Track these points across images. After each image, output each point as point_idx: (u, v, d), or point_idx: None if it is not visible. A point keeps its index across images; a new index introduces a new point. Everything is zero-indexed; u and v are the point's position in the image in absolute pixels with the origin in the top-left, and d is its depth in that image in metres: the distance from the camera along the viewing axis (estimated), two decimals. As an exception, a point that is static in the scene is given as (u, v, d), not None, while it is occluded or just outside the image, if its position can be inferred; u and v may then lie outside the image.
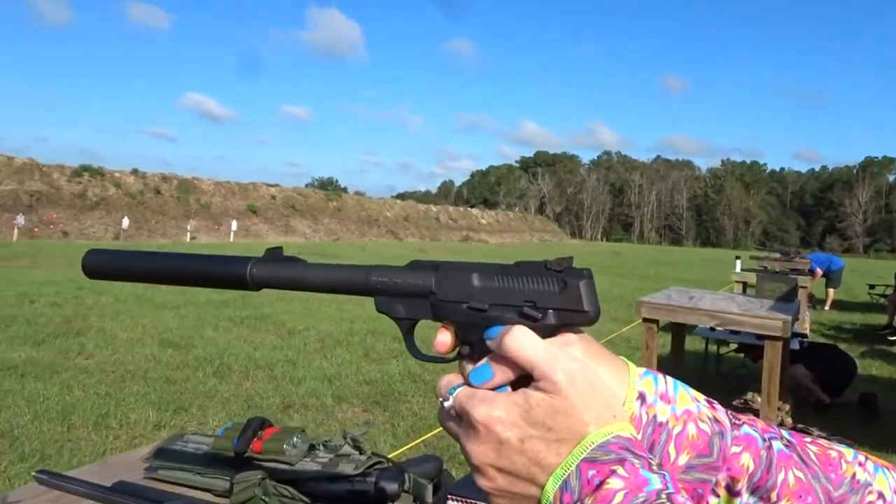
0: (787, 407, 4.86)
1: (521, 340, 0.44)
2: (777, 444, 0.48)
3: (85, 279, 0.62)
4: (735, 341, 6.00)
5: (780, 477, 0.47)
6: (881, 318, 11.65)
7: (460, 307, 0.49)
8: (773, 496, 0.47)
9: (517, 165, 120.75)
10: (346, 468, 1.00)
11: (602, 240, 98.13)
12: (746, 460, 0.47)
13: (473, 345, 0.48)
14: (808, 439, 0.50)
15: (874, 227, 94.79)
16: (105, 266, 0.59)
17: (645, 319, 4.31)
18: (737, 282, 8.96)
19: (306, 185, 63.22)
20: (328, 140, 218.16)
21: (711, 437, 0.47)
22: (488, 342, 0.46)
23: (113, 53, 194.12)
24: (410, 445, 3.94)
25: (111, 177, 30.60)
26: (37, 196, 26.62)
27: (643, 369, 0.49)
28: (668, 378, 0.49)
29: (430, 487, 0.98)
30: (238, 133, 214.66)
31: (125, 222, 27.35)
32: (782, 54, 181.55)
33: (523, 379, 0.45)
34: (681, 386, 0.49)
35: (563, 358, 0.44)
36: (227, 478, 0.98)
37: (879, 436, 4.85)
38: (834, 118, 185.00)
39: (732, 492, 0.47)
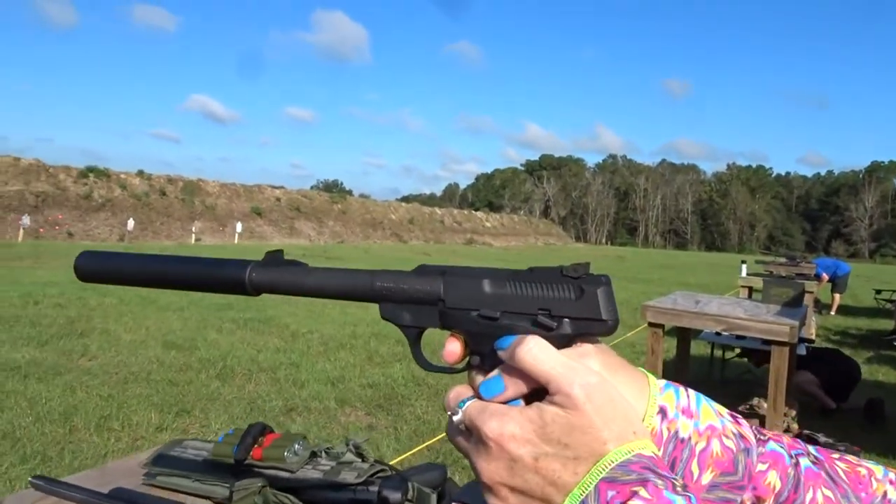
0: (794, 412, 4.82)
1: (535, 352, 0.42)
2: (804, 462, 0.46)
3: (90, 281, 0.59)
4: (741, 346, 5.97)
5: (808, 496, 0.45)
6: (887, 324, 11.59)
7: (470, 315, 0.46)
8: None
9: (522, 169, 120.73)
10: (349, 476, 0.98)
11: (607, 244, 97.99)
12: (773, 479, 0.45)
13: (484, 355, 0.46)
14: (836, 455, 0.48)
15: (880, 232, 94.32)
16: (98, 269, 0.57)
17: (650, 324, 4.27)
18: (742, 286, 8.91)
19: (311, 188, 63.30)
20: (332, 142, 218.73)
21: (736, 454, 0.44)
22: (500, 353, 0.44)
23: (118, 55, 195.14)
24: (414, 451, 3.91)
25: (117, 178, 30.68)
26: (42, 197, 26.70)
27: (663, 381, 0.46)
28: (690, 391, 0.46)
29: (433, 497, 0.96)
30: (241, 134, 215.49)
31: (130, 223, 27.41)
32: (787, 58, 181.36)
33: (537, 392, 0.42)
34: (703, 399, 0.46)
35: (581, 371, 0.41)
36: (227, 485, 0.96)
37: (886, 441, 4.80)
38: (840, 122, 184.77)
39: None
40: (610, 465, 0.38)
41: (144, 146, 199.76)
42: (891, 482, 0.47)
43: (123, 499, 0.87)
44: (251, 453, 1.01)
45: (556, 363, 0.41)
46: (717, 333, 5.23)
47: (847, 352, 8.58)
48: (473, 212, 63.87)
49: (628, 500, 0.36)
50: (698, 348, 7.00)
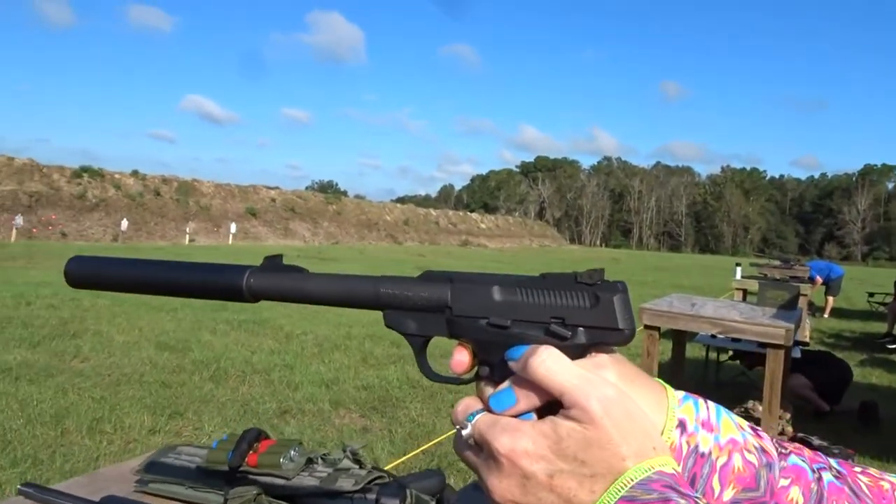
0: (788, 415, 4.83)
1: (549, 363, 0.40)
2: (827, 476, 0.44)
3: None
4: (736, 349, 5.98)
5: None
6: (880, 327, 11.63)
7: (479, 323, 0.44)
8: None
9: (517, 170, 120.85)
10: (346, 483, 0.96)
11: (601, 245, 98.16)
12: (795, 494, 0.43)
13: (493, 365, 0.44)
14: (859, 469, 0.46)
15: (873, 235, 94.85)
16: (89, 275, 0.54)
17: (646, 326, 4.27)
18: (737, 289, 8.93)
19: (306, 188, 63.19)
20: (328, 143, 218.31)
21: (758, 469, 0.43)
22: (511, 363, 0.42)
23: (114, 55, 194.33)
24: (409, 455, 3.89)
25: (111, 178, 30.55)
26: (36, 197, 26.56)
27: (682, 393, 0.44)
28: (710, 403, 0.44)
29: (432, 504, 0.94)
30: (238, 135, 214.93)
31: (124, 224, 27.29)
32: (782, 61, 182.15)
33: (550, 406, 0.40)
34: (724, 412, 0.44)
35: (597, 383, 0.39)
36: (221, 493, 0.94)
37: (880, 444, 4.82)
38: (833, 125, 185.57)
39: None
40: (629, 483, 0.36)
41: (141, 147, 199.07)
42: None
43: (115, 506, 0.86)
44: (246, 460, 0.99)
45: (571, 375, 0.39)
46: (713, 336, 5.23)
47: (840, 354, 8.61)
48: (468, 213, 63.90)
49: None
50: (692, 351, 7.01)
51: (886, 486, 0.45)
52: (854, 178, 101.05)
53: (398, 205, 54.72)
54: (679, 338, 5.02)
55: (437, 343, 0.47)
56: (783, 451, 0.45)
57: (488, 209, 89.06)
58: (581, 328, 0.42)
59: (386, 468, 1.25)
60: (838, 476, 0.45)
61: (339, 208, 43.22)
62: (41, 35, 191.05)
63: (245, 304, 6.46)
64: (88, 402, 4.56)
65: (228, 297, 0.50)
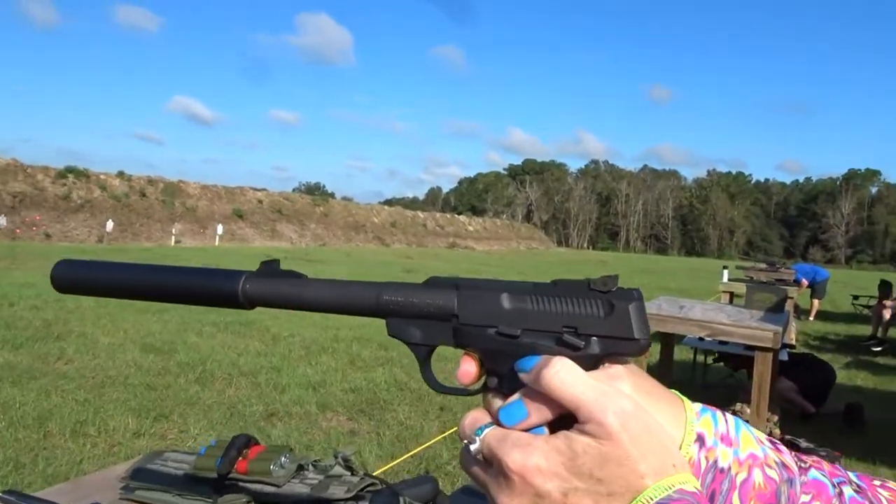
0: (776, 418, 4.85)
1: (562, 375, 0.38)
2: (848, 491, 0.43)
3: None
4: (723, 351, 6.01)
5: None
6: (865, 329, 11.74)
7: (487, 332, 0.42)
8: None
9: (505, 173, 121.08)
10: (338, 491, 0.94)
11: (588, 248, 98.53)
12: None
13: (502, 376, 0.42)
14: (878, 482, 0.45)
15: (856, 239, 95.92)
16: (77, 280, 0.52)
17: (635, 329, 4.27)
18: (724, 292, 9.00)
19: (293, 190, 62.91)
20: (316, 145, 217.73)
21: (779, 485, 0.41)
22: (522, 375, 0.40)
23: (100, 55, 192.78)
24: (399, 460, 3.86)
25: (96, 179, 30.25)
26: (20, 197, 26.23)
27: (699, 405, 0.43)
28: (729, 416, 0.43)
29: (425, 511, 0.92)
30: (226, 137, 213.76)
31: (109, 225, 27.01)
32: (766, 66, 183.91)
33: (563, 419, 0.39)
34: (743, 425, 0.43)
35: (614, 396, 0.37)
36: (209, 501, 0.92)
37: (865, 446, 4.85)
38: (817, 130, 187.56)
39: None
40: (649, 502, 0.35)
41: (127, 147, 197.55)
42: None
43: (99, 515, 0.83)
44: (235, 466, 0.97)
45: (586, 388, 0.37)
46: (701, 339, 5.25)
47: (826, 357, 8.68)
48: (456, 216, 63.89)
49: None
50: (680, 353, 7.03)
51: None
52: (838, 183, 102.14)
53: (386, 207, 54.61)
54: (667, 340, 5.04)
55: (439, 351, 0.46)
56: (803, 465, 0.43)
57: (476, 212, 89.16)
58: (594, 338, 0.40)
59: (375, 473, 1.23)
60: (858, 490, 0.43)
61: (326, 210, 43.07)
62: (26, 35, 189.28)
63: (232, 306, 6.42)
64: (72, 405, 4.49)
65: (223, 304, 0.48)
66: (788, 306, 7.03)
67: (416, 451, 3.96)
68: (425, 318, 0.44)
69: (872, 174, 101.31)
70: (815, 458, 0.45)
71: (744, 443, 0.41)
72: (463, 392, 0.44)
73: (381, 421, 4.70)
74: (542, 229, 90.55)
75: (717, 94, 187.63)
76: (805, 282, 12.78)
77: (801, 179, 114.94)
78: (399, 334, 0.45)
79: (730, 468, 0.40)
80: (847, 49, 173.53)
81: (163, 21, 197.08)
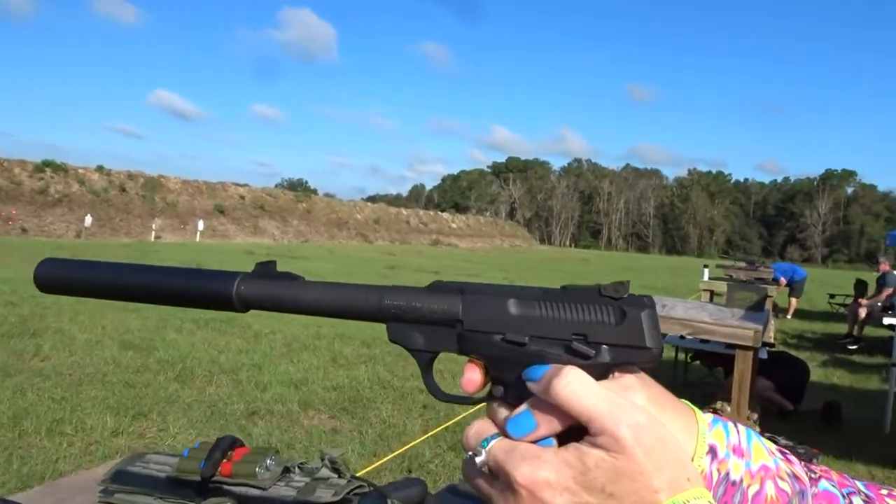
0: (755, 416, 4.90)
1: (574, 385, 0.36)
2: (857, 501, 0.42)
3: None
4: (703, 349, 6.06)
5: None
6: (841, 327, 11.92)
7: (493, 339, 0.41)
8: None
9: (488, 171, 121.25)
10: (324, 494, 0.92)
11: (571, 246, 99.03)
12: None
13: (508, 385, 0.40)
14: (885, 491, 0.44)
15: (832, 238, 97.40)
16: (62, 279, 0.50)
17: (618, 328, 4.28)
18: (704, 290, 9.06)
19: (276, 186, 62.47)
20: (298, 141, 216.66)
21: (791, 497, 0.40)
22: (530, 385, 0.39)
23: (79, 48, 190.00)
24: (384, 460, 3.84)
25: (74, 173, 29.79)
26: (-6, 191, 25.77)
27: (710, 415, 0.42)
28: (740, 426, 0.42)
29: (413, 513, 0.91)
30: (207, 131, 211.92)
31: (88, 220, 26.62)
32: (746, 67, 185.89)
33: (572, 431, 0.37)
34: (754, 436, 0.42)
35: (627, 408, 0.36)
36: (192, 504, 0.90)
37: (843, 444, 4.92)
38: (795, 131, 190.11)
39: None
40: None
41: (106, 142, 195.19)
42: None
43: (78, 519, 0.81)
44: (219, 469, 0.94)
45: (599, 399, 0.36)
46: (682, 337, 5.28)
47: (803, 355, 8.80)
48: (439, 213, 63.86)
49: None
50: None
51: None
52: (815, 183, 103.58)
53: (369, 204, 54.43)
54: (649, 339, 5.06)
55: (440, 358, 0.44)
56: (813, 475, 0.43)
57: (459, 209, 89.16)
58: (605, 346, 0.39)
59: (358, 472, 1.21)
60: (867, 500, 0.43)
61: (308, 206, 42.82)
62: (3, 26, 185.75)
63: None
64: (48, 403, 4.42)
65: (216, 306, 0.46)
66: (767, 305, 7.10)
67: (400, 450, 3.95)
68: (428, 323, 0.43)
69: (848, 175, 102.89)
70: (823, 467, 0.44)
71: (756, 454, 0.41)
72: (467, 401, 0.43)
73: (363, 419, 4.68)
74: (525, 227, 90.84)
75: (697, 95, 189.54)
76: (783, 280, 12.94)
77: (780, 179, 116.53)
78: (401, 340, 0.44)
79: (742, 480, 0.39)
80: (824, 51, 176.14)
81: (142, 13, 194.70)
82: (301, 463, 1.02)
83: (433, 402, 5.13)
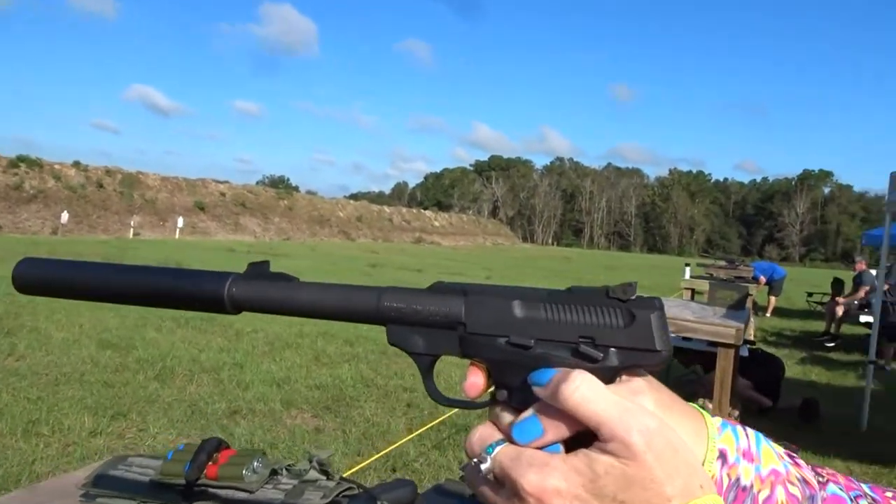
0: (736, 413, 4.95)
1: (583, 390, 0.35)
2: None
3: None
4: (686, 348, 6.10)
5: None
6: (819, 325, 12.10)
7: (497, 342, 0.40)
8: None
9: (471, 169, 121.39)
10: (313, 496, 0.90)
11: (553, 244, 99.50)
12: None
13: (512, 389, 0.39)
14: (890, 493, 0.44)
15: (810, 238, 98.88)
16: (42, 280, 0.47)
17: (601, 326, 4.30)
18: (685, 288, 9.13)
19: (257, 183, 62.05)
20: (280, 137, 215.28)
21: (801, 501, 0.39)
22: (537, 389, 0.37)
23: (55, 41, 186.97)
24: (370, 460, 3.81)
25: (50, 169, 29.32)
26: (-32, 187, 25.29)
27: (719, 420, 0.41)
28: (749, 430, 0.41)
29: (403, 515, 0.89)
30: (186, 127, 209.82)
31: (64, 216, 26.21)
32: (726, 68, 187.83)
33: (580, 436, 0.36)
34: (763, 440, 0.41)
35: (638, 413, 0.35)
36: (177, 508, 0.87)
37: (820, 440, 4.99)
38: (774, 132, 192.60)
39: None
40: None
41: (83, 137, 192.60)
42: None
43: (58, 525, 0.78)
44: (205, 472, 0.92)
45: (608, 404, 0.35)
46: (664, 335, 5.31)
47: (782, 352, 8.91)
48: (422, 211, 63.84)
49: None
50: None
51: None
52: (793, 183, 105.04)
53: (351, 201, 54.22)
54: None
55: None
56: (821, 479, 0.42)
57: (442, 207, 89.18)
58: (613, 349, 0.38)
59: (342, 472, 1.19)
60: (873, 503, 0.42)
61: (290, 204, 42.57)
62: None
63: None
64: (24, 403, 4.33)
65: (206, 308, 0.44)
66: (748, 303, 7.17)
67: (386, 450, 3.92)
68: (430, 326, 0.41)
69: (825, 175, 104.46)
70: (829, 470, 0.43)
71: (765, 458, 0.40)
72: (469, 405, 0.41)
73: (347, 418, 4.65)
74: (507, 225, 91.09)
75: (678, 95, 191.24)
76: (763, 279, 13.09)
77: (758, 179, 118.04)
78: (400, 343, 0.42)
79: (752, 486, 0.38)
80: (802, 53, 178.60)
81: (119, 7, 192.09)
82: (289, 465, 1.00)
83: (417, 400, 5.12)
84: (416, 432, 4.29)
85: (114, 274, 0.47)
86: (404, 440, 4.14)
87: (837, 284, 11.74)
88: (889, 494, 0.43)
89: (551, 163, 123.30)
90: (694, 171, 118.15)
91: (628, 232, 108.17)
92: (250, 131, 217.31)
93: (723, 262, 12.78)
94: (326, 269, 16.99)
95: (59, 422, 4.06)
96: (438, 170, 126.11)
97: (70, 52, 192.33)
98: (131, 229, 28.86)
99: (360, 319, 0.42)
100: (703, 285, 8.60)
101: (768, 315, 13.73)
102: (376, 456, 3.84)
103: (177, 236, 29.98)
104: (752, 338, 8.10)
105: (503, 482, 0.36)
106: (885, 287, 8.28)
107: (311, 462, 1.00)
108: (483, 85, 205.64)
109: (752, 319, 8.80)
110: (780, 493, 0.39)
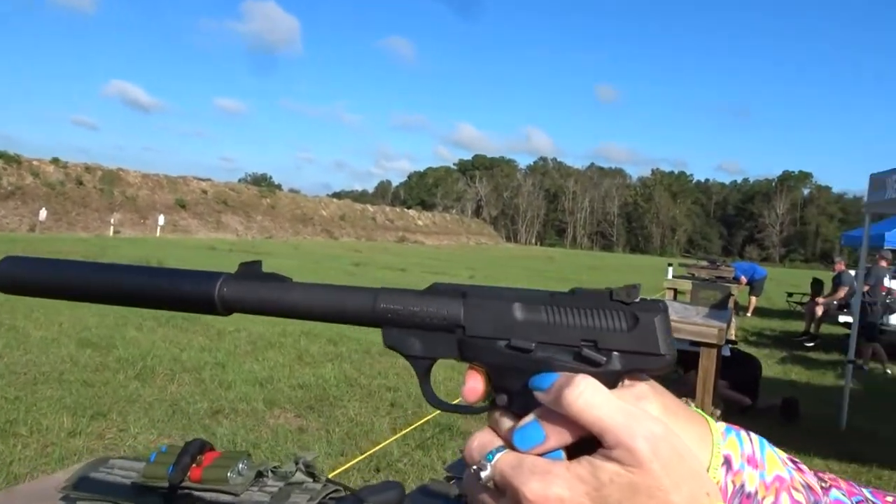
0: (718, 412, 5.00)
1: (588, 395, 0.34)
2: None
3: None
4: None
5: None
6: (798, 325, 12.25)
7: (497, 345, 0.39)
8: None
9: (455, 168, 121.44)
10: (299, 499, 0.89)
11: (536, 244, 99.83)
12: None
13: (513, 394, 0.38)
14: (891, 499, 0.43)
15: (790, 238, 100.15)
16: (25, 279, 0.46)
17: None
18: (668, 288, 9.20)
19: (239, 181, 61.61)
20: (263, 135, 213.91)
21: None
22: (538, 394, 0.36)
23: (32, 35, 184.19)
24: (354, 461, 3.79)
25: (28, 165, 28.89)
26: (-57, 182, 24.85)
27: (723, 425, 0.40)
28: (753, 435, 0.40)
29: (391, 518, 0.88)
30: (167, 124, 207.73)
31: (42, 213, 25.83)
32: (708, 70, 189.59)
33: (584, 442, 0.35)
34: (767, 445, 0.40)
35: (643, 419, 0.34)
36: (160, 511, 0.86)
37: (801, 438, 5.04)
38: (755, 133, 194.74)
39: None
40: None
41: (61, 133, 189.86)
42: None
43: (37, 530, 0.76)
44: (188, 474, 0.90)
45: (613, 410, 0.34)
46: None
47: (762, 352, 9.02)
48: (406, 210, 63.78)
49: None
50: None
51: None
52: (773, 184, 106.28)
53: (334, 200, 54.05)
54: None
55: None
56: (823, 484, 0.41)
57: (426, 206, 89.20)
58: (616, 353, 0.37)
59: (325, 472, 1.18)
60: None
61: (273, 202, 42.32)
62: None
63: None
64: (1, 403, 4.26)
65: (196, 309, 0.43)
66: (729, 303, 7.25)
67: (371, 451, 3.90)
68: (428, 328, 0.40)
69: (805, 176, 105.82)
70: (831, 475, 0.43)
71: (769, 464, 0.39)
72: (467, 410, 0.40)
73: (330, 418, 4.63)
74: (491, 225, 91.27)
75: (661, 96, 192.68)
76: (744, 279, 13.22)
77: (739, 180, 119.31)
78: (396, 346, 0.41)
79: (757, 492, 0.38)
80: (783, 56, 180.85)
81: (99, 1, 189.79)
82: (274, 467, 0.99)
83: (401, 400, 5.11)
84: (401, 433, 4.27)
85: (99, 273, 0.45)
86: (390, 440, 4.12)
87: (817, 285, 11.89)
88: (890, 499, 0.43)
89: (535, 162, 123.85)
90: (676, 171, 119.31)
91: (611, 232, 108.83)
92: (232, 129, 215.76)
93: (705, 263, 12.90)
94: (310, 269, 16.90)
95: (37, 422, 3.99)
96: (422, 169, 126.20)
97: (48, 47, 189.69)
98: (111, 227, 28.53)
99: (355, 321, 0.41)
100: (686, 285, 8.67)
101: (749, 315, 13.88)
102: (361, 458, 3.82)
103: (158, 234, 29.69)
104: (733, 338, 8.18)
105: (504, 490, 0.35)
106: (865, 288, 8.41)
107: (297, 464, 0.98)
108: (467, 84, 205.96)
109: (733, 319, 8.90)
110: (784, 500, 0.38)
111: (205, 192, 37.59)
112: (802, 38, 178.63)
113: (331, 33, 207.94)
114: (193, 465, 0.91)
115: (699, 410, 0.40)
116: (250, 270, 0.43)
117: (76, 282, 0.45)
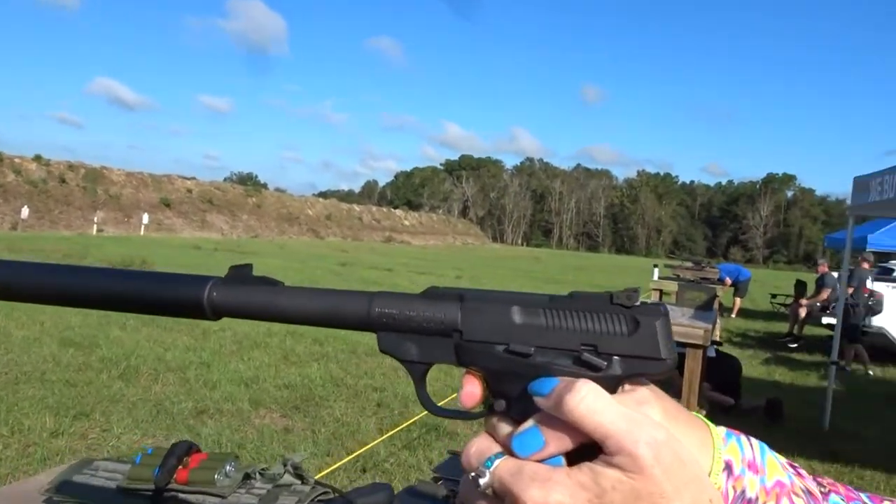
0: (703, 412, 5.02)
1: (589, 401, 0.34)
2: None
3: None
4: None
5: None
6: (782, 326, 12.36)
7: (495, 350, 0.38)
8: None
9: (442, 168, 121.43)
10: (287, 501, 0.88)
11: (522, 244, 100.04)
12: None
13: (511, 399, 0.37)
14: (888, 503, 0.43)
15: (773, 240, 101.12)
16: (7, 283, 0.44)
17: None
18: (653, 289, 9.25)
19: (224, 180, 61.25)
20: (249, 134, 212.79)
21: None
22: (538, 400, 0.36)
23: (16, 31, 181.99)
24: (342, 462, 3.77)
25: (10, 162, 28.55)
26: (-78, 179, 24.49)
27: (724, 429, 0.39)
28: (753, 440, 0.40)
29: (380, 520, 0.87)
30: (152, 122, 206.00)
31: (24, 211, 25.54)
32: (693, 72, 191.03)
33: (584, 448, 0.34)
34: (767, 450, 0.40)
35: (645, 424, 0.33)
36: (145, 514, 0.84)
37: (785, 438, 5.09)
38: (739, 135, 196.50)
39: None
40: None
41: (44, 130, 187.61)
42: None
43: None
44: (175, 476, 0.89)
45: (615, 416, 0.33)
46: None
47: (746, 353, 9.09)
48: (392, 210, 63.71)
49: None
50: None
51: None
52: (758, 186, 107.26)
53: (320, 199, 53.90)
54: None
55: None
56: (823, 489, 0.41)
57: (412, 206, 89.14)
58: (616, 357, 0.37)
59: (311, 473, 1.17)
60: None
61: (259, 201, 42.11)
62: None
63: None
64: (-19, 404, 4.20)
65: (185, 314, 0.42)
66: (714, 304, 7.30)
67: (358, 452, 3.88)
68: (424, 333, 0.40)
69: (789, 179, 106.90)
70: (829, 480, 0.43)
71: (770, 470, 0.39)
72: (464, 416, 0.40)
73: (316, 418, 4.60)
74: (477, 225, 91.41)
75: (647, 98, 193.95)
76: (729, 280, 13.33)
77: (724, 182, 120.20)
78: (392, 350, 0.40)
79: (757, 498, 0.37)
80: (768, 59, 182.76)
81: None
82: (262, 469, 0.97)
83: (387, 400, 5.09)
84: (388, 433, 4.26)
85: (88, 278, 0.44)
86: (377, 441, 4.11)
87: (800, 286, 12.01)
88: (888, 503, 0.43)
89: (521, 163, 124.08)
90: (661, 173, 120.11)
91: (597, 233, 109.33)
92: (218, 127, 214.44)
93: (690, 264, 12.99)
94: (295, 268, 16.82)
95: (18, 422, 3.94)
96: (409, 168, 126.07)
97: (32, 43, 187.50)
98: (94, 225, 28.24)
99: (349, 326, 0.40)
100: (672, 286, 8.74)
101: (734, 316, 13.99)
102: (347, 458, 3.80)
103: (142, 233, 29.43)
104: (718, 339, 8.25)
105: (503, 497, 0.35)
106: (849, 290, 8.50)
107: (285, 465, 0.97)
108: (454, 84, 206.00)
109: (718, 320, 8.97)
110: None
111: (189, 190, 37.34)
112: (788, 41, 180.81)
113: (318, 32, 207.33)
114: (180, 467, 0.90)
115: (701, 416, 0.40)
116: (240, 274, 0.42)
117: (60, 286, 0.44)
